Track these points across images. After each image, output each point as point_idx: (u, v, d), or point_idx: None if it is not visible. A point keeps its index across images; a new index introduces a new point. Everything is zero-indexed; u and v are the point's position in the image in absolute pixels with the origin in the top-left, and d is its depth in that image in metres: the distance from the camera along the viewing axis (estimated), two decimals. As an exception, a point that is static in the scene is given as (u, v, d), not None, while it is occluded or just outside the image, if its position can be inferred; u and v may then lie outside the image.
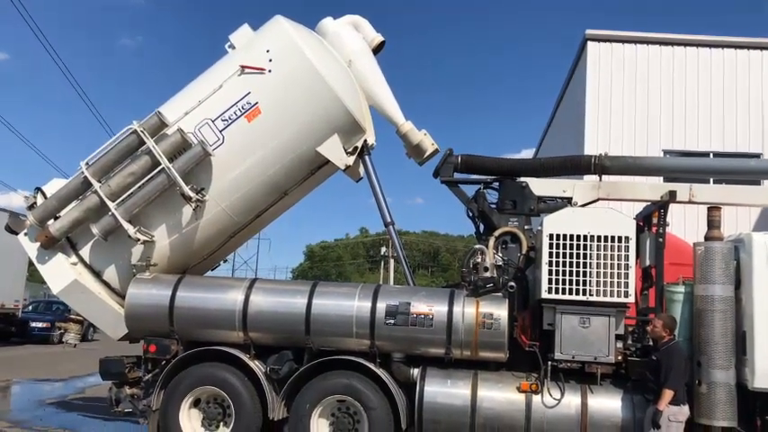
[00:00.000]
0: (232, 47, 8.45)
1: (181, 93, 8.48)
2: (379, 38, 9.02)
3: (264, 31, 8.45)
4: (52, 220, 8.17)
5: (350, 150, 8.52)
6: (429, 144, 8.97)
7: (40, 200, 8.33)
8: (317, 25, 8.83)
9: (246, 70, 8.09)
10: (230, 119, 8.07)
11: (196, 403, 8.11)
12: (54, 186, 8.39)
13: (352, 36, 8.80)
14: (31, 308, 28.60)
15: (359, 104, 8.45)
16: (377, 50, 9.03)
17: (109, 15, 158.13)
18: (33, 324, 25.91)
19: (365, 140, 8.65)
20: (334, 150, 8.28)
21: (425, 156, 9.04)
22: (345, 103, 8.12)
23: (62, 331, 9.12)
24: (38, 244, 8.21)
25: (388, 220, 8.95)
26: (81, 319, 8.84)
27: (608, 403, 7.46)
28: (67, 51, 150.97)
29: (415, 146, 8.94)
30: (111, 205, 7.85)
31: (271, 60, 8.07)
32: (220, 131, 8.08)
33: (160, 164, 7.83)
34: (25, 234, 8.40)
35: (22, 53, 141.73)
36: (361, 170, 8.87)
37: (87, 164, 8.03)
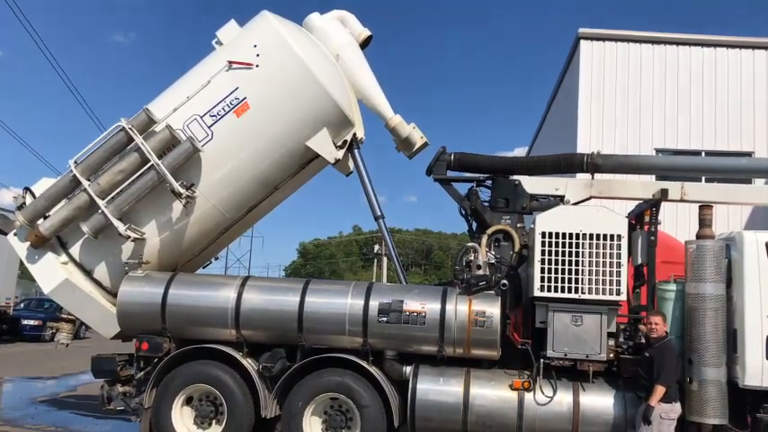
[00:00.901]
0: (219, 43, 8.45)
1: (169, 89, 8.46)
2: (365, 32, 9.02)
3: (251, 26, 8.46)
4: (42, 220, 8.12)
5: (339, 144, 8.53)
6: (418, 137, 8.98)
7: (29, 200, 8.27)
8: (304, 21, 8.82)
9: (234, 66, 8.08)
10: (219, 114, 8.06)
11: (188, 401, 8.10)
12: (43, 186, 8.33)
13: (339, 31, 8.80)
14: (22, 305, 28.46)
15: (347, 98, 8.46)
16: (364, 45, 9.03)
17: (104, 13, 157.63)
18: (25, 322, 25.78)
19: (354, 134, 8.66)
20: (323, 144, 8.29)
21: (415, 149, 9.05)
22: (333, 96, 8.13)
23: (54, 331, 9.05)
24: (28, 243, 8.15)
25: (378, 213, 8.95)
26: (73, 318, 8.77)
27: (600, 400, 7.50)
28: (63, 51, 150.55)
29: (404, 139, 8.95)
30: (101, 203, 7.81)
31: (258, 55, 8.07)
32: (209, 127, 8.07)
33: (149, 161, 7.81)
34: (15, 234, 8.35)
35: (16, 51, 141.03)
36: (351, 164, 8.88)
37: (76, 162, 7.99)
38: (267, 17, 8.35)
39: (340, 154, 8.51)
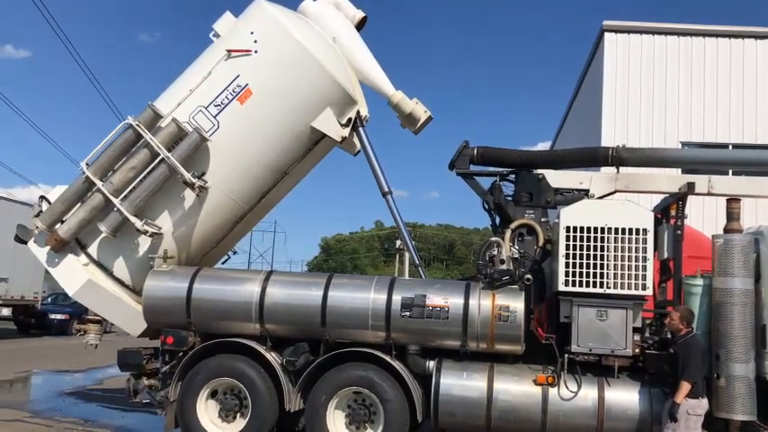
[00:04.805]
0: (216, 35, 8.52)
1: (172, 85, 8.56)
2: (360, 14, 9.07)
3: (246, 14, 8.55)
4: (60, 224, 8.20)
5: (344, 123, 8.58)
6: (422, 112, 8.96)
7: (45, 207, 8.38)
8: (298, 8, 8.87)
9: (233, 54, 8.17)
10: (223, 103, 8.14)
11: (213, 394, 8.15)
12: (58, 193, 8.44)
13: (334, 15, 8.85)
14: (49, 300, 28.86)
15: (347, 75, 8.51)
16: (360, 27, 9.08)
17: (130, 13, 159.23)
18: (52, 316, 26.20)
19: (358, 112, 8.69)
20: (328, 124, 8.37)
21: (419, 124, 9.03)
22: (333, 74, 8.20)
23: (81, 333, 9.12)
24: (47, 248, 8.23)
25: (386, 189, 8.97)
26: (99, 319, 8.83)
27: (625, 396, 7.43)
28: (89, 50, 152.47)
29: (408, 115, 8.94)
30: (116, 201, 7.89)
31: (256, 41, 8.16)
32: (215, 117, 8.15)
33: (159, 155, 7.90)
34: (34, 241, 8.43)
35: (44, 50, 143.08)
36: (357, 143, 8.92)
37: (87, 164, 8.09)
38: (261, 4, 8.45)
39: (345, 132, 8.59)
